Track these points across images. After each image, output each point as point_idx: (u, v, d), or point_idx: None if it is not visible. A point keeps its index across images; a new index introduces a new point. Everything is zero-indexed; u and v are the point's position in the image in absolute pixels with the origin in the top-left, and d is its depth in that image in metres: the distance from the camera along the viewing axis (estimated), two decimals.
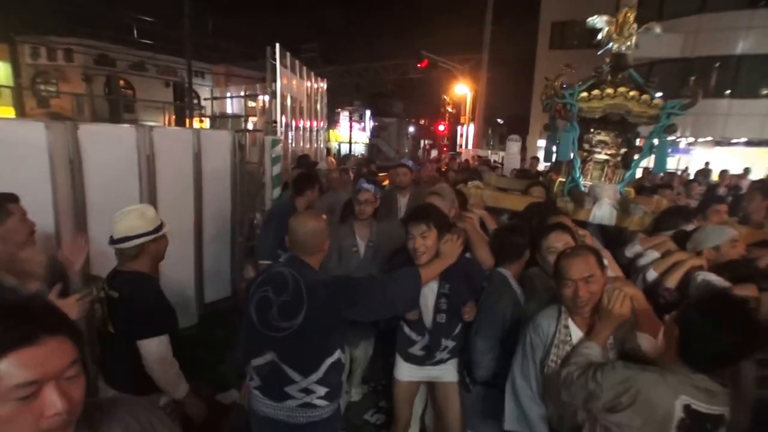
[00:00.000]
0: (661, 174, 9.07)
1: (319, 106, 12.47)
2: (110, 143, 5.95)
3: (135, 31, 28.95)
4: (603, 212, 4.90)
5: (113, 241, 3.10)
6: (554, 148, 5.96)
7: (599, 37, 5.43)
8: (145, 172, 6.29)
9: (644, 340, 2.73)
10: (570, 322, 2.91)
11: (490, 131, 38.71)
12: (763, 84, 23.17)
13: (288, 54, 9.72)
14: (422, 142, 52.60)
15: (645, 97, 5.03)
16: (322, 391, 3.03)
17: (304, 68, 11.24)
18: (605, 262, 2.99)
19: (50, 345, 1.17)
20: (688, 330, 2.30)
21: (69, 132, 5.41)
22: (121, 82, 29.13)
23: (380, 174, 11.46)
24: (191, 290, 7.19)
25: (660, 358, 2.50)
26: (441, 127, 43.22)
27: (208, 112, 23.24)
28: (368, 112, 46.60)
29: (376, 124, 49.06)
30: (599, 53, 5.50)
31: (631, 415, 2.32)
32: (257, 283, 3.10)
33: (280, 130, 9.31)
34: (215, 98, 23.50)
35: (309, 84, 11.64)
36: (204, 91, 32.87)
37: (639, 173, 9.32)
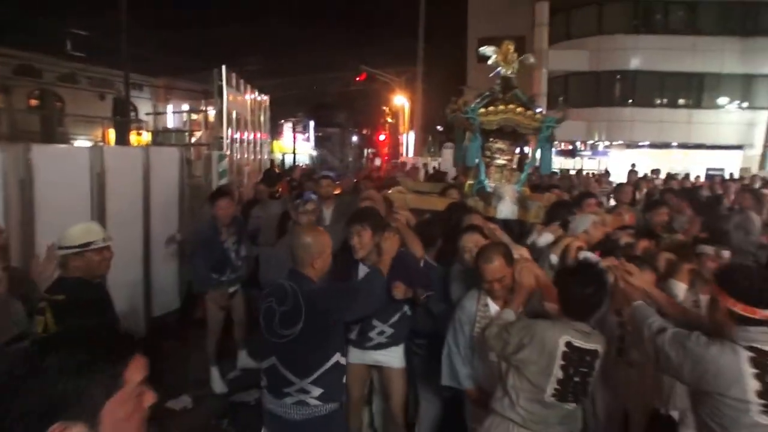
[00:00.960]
0: (549, 173, 10.43)
1: (262, 119, 12.67)
2: (64, 163, 6.10)
3: (68, 44, 27.45)
4: (506, 209, 5.73)
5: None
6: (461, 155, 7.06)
7: (489, 62, 6.50)
8: (96, 190, 6.39)
9: (549, 307, 3.43)
10: (488, 300, 3.72)
11: (430, 138, 39.38)
12: (655, 95, 27.37)
13: (234, 74, 9.96)
14: (365, 151, 53.00)
15: (529, 112, 6.10)
16: (316, 392, 3.28)
17: (248, 85, 11.46)
18: (514, 252, 3.81)
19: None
20: (562, 289, 3.15)
21: (21, 153, 5.53)
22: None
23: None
24: (139, 304, 7.20)
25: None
26: (382, 137, 43.78)
27: (150, 126, 22.98)
28: (312, 123, 46.64)
29: (320, 134, 49.15)
30: (491, 75, 6.62)
31: (529, 352, 3.01)
32: (264, 294, 3.43)
33: (226, 143, 9.50)
34: (158, 113, 23.26)
35: (252, 97, 11.86)
36: (143, 105, 31.85)
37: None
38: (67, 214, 5.57)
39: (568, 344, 2.98)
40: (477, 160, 6.25)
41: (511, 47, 6.48)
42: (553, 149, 20.86)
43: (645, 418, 3.78)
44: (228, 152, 9.43)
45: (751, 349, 2.56)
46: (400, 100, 32.77)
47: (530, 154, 7.08)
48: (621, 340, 3.65)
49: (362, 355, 4.27)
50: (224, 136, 9.54)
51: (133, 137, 22.67)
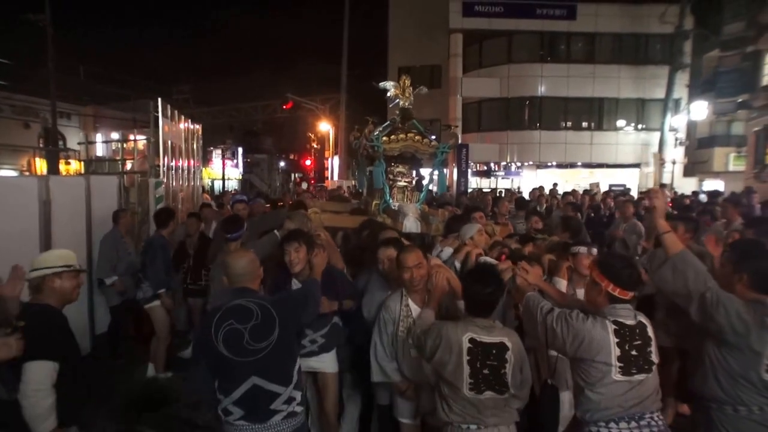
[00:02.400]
0: (444, 193, 11.42)
1: (195, 147, 12.94)
2: (13, 192, 6.46)
3: None
4: (411, 224, 6.29)
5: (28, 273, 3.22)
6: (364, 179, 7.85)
7: (388, 95, 7.06)
8: (43, 218, 6.69)
9: (462, 306, 3.70)
10: (410, 301, 4.12)
11: (354, 162, 40.09)
12: (560, 119, 28.98)
13: (168, 105, 10.33)
14: (293, 175, 53.18)
15: (426, 140, 6.73)
16: (298, 395, 3.38)
17: (182, 115, 11.80)
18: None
19: None
20: (465, 289, 3.47)
21: None
22: None
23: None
24: (84, 322, 7.39)
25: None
26: (308, 162, 44.30)
27: (81, 155, 22.65)
28: (240, 150, 46.60)
29: (248, 160, 49.04)
30: (390, 106, 7.40)
31: (441, 353, 3.26)
32: (213, 322, 3.27)
33: (162, 171, 9.90)
34: (90, 142, 23.13)
35: (185, 126, 12.16)
36: (71, 133, 31.22)
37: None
38: (16, 241, 5.97)
39: (472, 340, 3.21)
40: (382, 183, 6.77)
41: (408, 81, 6.99)
42: (469, 170, 22.46)
43: (539, 388, 3.99)
44: (164, 179, 9.86)
45: (615, 323, 3.09)
46: (325, 126, 33.54)
47: (428, 176, 7.65)
48: (519, 330, 3.79)
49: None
50: (161, 164, 9.96)
51: (61, 166, 22.36)
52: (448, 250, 5.32)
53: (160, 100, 9.91)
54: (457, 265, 5.03)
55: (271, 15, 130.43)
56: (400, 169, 7.03)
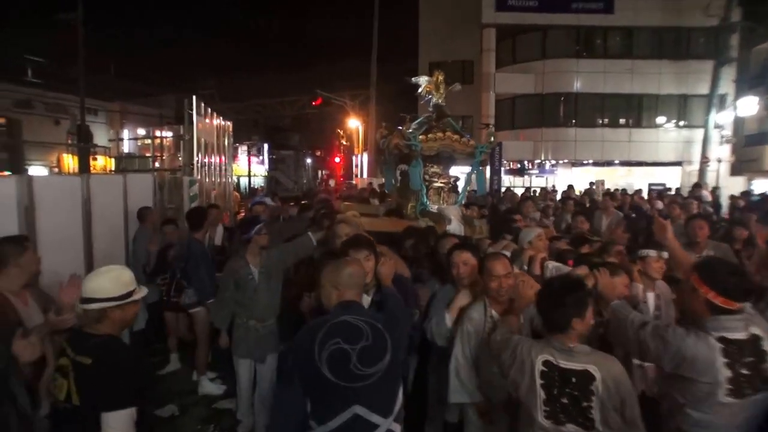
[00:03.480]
0: (484, 194, 11.15)
1: (226, 144, 12.94)
2: (57, 191, 6.46)
3: (29, 71, 26.95)
4: (454, 227, 6.19)
5: (81, 300, 2.89)
6: (392, 180, 7.76)
7: (419, 91, 6.98)
8: (84, 216, 6.76)
9: None
10: (493, 312, 3.87)
11: (381, 161, 39.85)
12: (596, 116, 28.47)
13: (202, 103, 10.28)
14: (320, 172, 53.24)
15: (464, 139, 6.61)
16: (398, 429, 3.08)
17: (214, 113, 11.77)
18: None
19: None
20: (543, 301, 3.12)
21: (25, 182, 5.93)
22: (2, 120, 27.05)
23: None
24: None
25: None
26: (337, 159, 44.25)
27: (111, 152, 22.92)
28: (266, 146, 46.70)
29: (274, 156, 49.18)
30: (421, 102, 7.20)
31: (514, 372, 3.06)
32: (317, 339, 2.92)
33: (196, 169, 9.85)
34: (121, 139, 23.33)
35: (216, 123, 12.14)
36: (98, 130, 31.77)
37: None
38: (61, 239, 6.15)
39: (547, 363, 2.95)
40: (420, 184, 6.68)
41: (441, 77, 6.87)
42: (503, 168, 22.20)
43: None
44: (198, 177, 9.79)
45: (721, 340, 2.82)
46: (354, 122, 33.39)
47: (463, 177, 7.47)
48: (602, 339, 3.63)
49: None
50: (194, 161, 9.89)
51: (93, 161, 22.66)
52: (506, 253, 4.99)
53: (194, 97, 9.88)
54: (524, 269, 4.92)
55: (299, 9, 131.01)
56: (435, 169, 6.89)
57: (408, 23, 33.89)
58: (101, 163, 24.45)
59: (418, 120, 6.95)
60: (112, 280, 2.92)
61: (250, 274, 5.36)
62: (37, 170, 24.78)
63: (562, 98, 28.98)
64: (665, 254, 4.45)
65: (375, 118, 28.54)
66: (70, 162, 26.53)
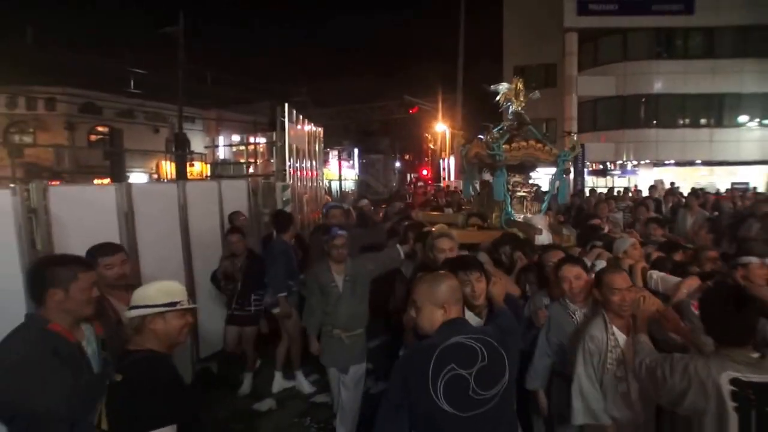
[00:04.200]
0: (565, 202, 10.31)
1: (317, 149, 12.98)
2: (156, 197, 6.42)
3: (132, 82, 27.75)
4: (543, 237, 5.77)
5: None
6: (470, 188, 7.36)
7: (497, 99, 6.63)
8: (182, 222, 6.69)
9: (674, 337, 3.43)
10: (615, 329, 3.48)
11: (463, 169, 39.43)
12: (677, 116, 27.50)
13: (294, 110, 10.34)
14: (408, 176, 53.18)
15: (546, 148, 6.21)
16: None
17: (306, 119, 11.83)
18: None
19: None
20: (713, 315, 2.69)
21: (125, 188, 5.90)
22: (104, 129, 27.67)
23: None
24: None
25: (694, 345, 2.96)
26: (425, 161, 44.06)
27: (207, 158, 23.54)
28: (356, 150, 47.07)
29: (364, 161, 49.47)
30: (500, 110, 6.81)
31: (694, 397, 2.58)
32: (430, 368, 2.49)
33: (288, 174, 9.91)
34: (216, 146, 23.97)
35: (309, 129, 12.18)
36: (195, 137, 32.06)
37: None
38: (162, 245, 6.15)
39: (735, 381, 2.48)
40: (503, 194, 6.25)
41: (521, 84, 6.51)
42: (585, 169, 21.37)
43: None
44: (290, 182, 9.86)
45: None
46: (440, 126, 33.12)
47: (547, 185, 7.14)
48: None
49: None
50: (287, 167, 9.97)
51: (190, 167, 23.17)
52: (601, 263, 4.70)
53: (286, 105, 9.93)
54: None
55: (386, 15, 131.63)
56: (518, 178, 6.50)
57: (493, 28, 33.59)
58: (198, 169, 24.94)
59: (498, 128, 6.59)
60: (157, 289, 2.65)
61: (333, 281, 5.15)
62: (137, 177, 25.42)
63: (643, 99, 28.09)
64: None
65: (461, 121, 28.36)
66: (168, 168, 26.72)
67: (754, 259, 4.06)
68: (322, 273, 5.20)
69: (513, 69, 29.07)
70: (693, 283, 3.87)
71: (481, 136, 6.54)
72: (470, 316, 3.38)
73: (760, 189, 22.78)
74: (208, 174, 21.24)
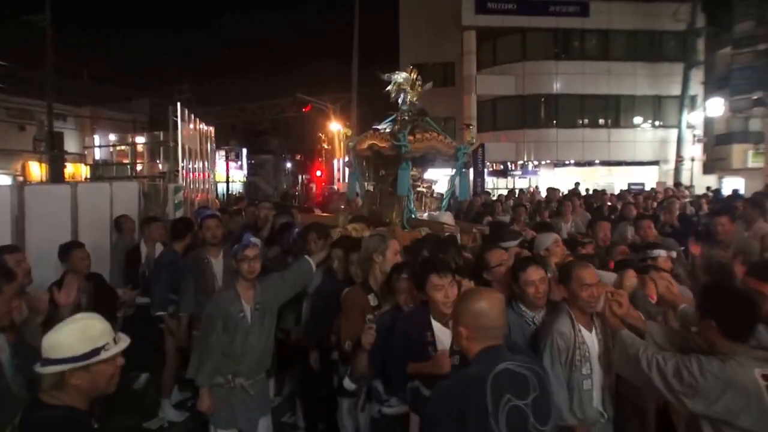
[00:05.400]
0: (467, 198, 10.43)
1: (208, 149, 12.84)
2: (46, 200, 6.44)
3: None
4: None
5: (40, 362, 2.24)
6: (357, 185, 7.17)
7: (389, 88, 6.45)
8: (71, 226, 6.67)
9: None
10: (580, 326, 3.49)
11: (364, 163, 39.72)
12: (576, 116, 29.12)
13: (186, 110, 10.23)
14: (301, 177, 52.92)
15: (447, 140, 6.25)
16: None
17: (198, 119, 11.71)
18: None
19: None
20: (719, 309, 2.76)
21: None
22: None
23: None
24: None
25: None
26: (318, 162, 44.03)
27: (87, 159, 22.56)
28: (245, 151, 46.32)
29: (253, 161, 48.76)
30: (391, 100, 6.53)
31: (732, 399, 2.60)
32: (488, 398, 2.30)
33: (181, 176, 9.78)
34: (97, 146, 22.99)
35: (200, 129, 12.07)
36: (67, 136, 31.15)
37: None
38: (52, 249, 5.79)
39: (765, 377, 2.57)
40: (407, 189, 6.08)
41: (415, 74, 6.46)
42: (486, 170, 22.29)
43: None
44: (183, 184, 9.75)
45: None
46: (335, 126, 33.33)
47: (447, 181, 7.07)
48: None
49: None
50: (179, 169, 9.83)
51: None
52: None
53: (178, 103, 9.83)
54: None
55: (277, 11, 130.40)
56: (414, 172, 6.30)
57: (390, 25, 34.13)
58: (71, 170, 23.83)
59: (392, 118, 6.45)
60: (74, 335, 2.22)
61: (241, 311, 4.21)
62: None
63: (543, 99, 29.64)
64: (674, 253, 4.58)
65: (357, 121, 28.59)
66: (36, 170, 25.75)
67: (662, 252, 4.58)
68: (230, 301, 4.23)
69: (410, 67, 29.72)
70: (632, 275, 4.06)
71: (377, 127, 6.43)
72: (438, 328, 3.43)
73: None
74: (87, 176, 20.36)
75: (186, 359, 4.85)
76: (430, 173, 7.11)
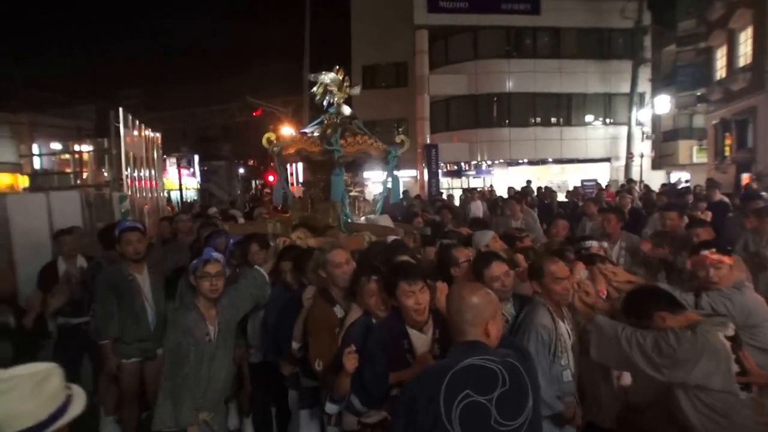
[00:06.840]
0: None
1: (155, 156, 12.63)
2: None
3: None
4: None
5: None
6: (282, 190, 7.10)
7: (314, 90, 6.40)
8: (2, 240, 6.59)
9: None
10: (556, 318, 3.66)
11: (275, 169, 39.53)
12: (528, 115, 29.56)
13: (129, 115, 10.03)
14: (254, 182, 52.42)
15: (377, 144, 6.36)
16: None
17: (142, 124, 11.48)
18: None
19: None
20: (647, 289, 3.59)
21: None
22: None
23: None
24: None
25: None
26: (271, 166, 43.67)
27: (25, 168, 21.78)
28: (197, 157, 45.65)
29: (205, 168, 48.13)
30: (316, 100, 6.52)
31: (706, 364, 3.02)
32: (441, 393, 2.34)
33: (126, 184, 9.55)
34: (35, 155, 22.21)
35: (146, 135, 11.86)
36: (1, 143, 30.22)
37: None
38: None
39: (726, 337, 3.11)
40: (341, 194, 6.10)
41: (342, 75, 6.41)
42: (440, 171, 22.46)
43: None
44: (129, 192, 9.51)
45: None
46: (287, 129, 33.08)
47: (383, 184, 7.10)
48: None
49: None
50: (124, 176, 9.59)
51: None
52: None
53: (121, 109, 9.62)
54: None
55: (226, 12, 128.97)
56: (346, 177, 6.30)
57: (341, 26, 33.98)
58: (6, 180, 22.88)
59: (318, 121, 6.49)
60: (29, 396, 1.80)
61: (207, 334, 3.93)
62: None
63: (495, 98, 29.85)
64: (605, 244, 5.12)
65: (308, 123, 28.29)
66: None
67: (594, 243, 5.10)
68: (196, 323, 3.91)
69: (362, 68, 30.00)
70: (581, 267, 4.23)
71: (306, 130, 6.55)
72: (414, 335, 3.39)
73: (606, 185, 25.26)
74: (26, 186, 19.68)
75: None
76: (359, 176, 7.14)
